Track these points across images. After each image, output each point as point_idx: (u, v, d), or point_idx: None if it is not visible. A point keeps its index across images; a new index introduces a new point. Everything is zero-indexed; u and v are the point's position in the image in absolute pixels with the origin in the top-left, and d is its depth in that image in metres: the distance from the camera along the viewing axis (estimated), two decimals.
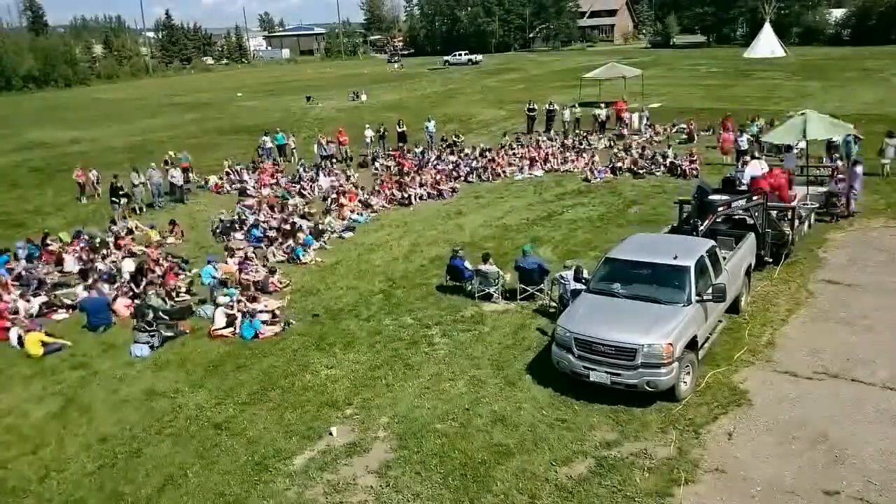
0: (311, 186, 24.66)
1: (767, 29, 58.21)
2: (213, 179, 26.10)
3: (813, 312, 12.47)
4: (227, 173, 26.52)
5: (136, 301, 14.54)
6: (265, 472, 8.98)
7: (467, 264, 14.36)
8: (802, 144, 22.31)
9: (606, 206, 20.32)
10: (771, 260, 14.38)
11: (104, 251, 18.04)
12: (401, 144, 30.44)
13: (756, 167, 18.34)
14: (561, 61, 73.44)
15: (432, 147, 30.25)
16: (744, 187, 16.05)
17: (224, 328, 13.24)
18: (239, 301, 13.77)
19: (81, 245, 18.60)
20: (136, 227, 20.41)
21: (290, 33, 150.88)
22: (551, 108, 34.15)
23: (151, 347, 12.71)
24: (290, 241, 17.83)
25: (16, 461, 9.65)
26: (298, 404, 10.55)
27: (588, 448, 8.98)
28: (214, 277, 15.72)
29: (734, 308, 12.28)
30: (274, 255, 17.35)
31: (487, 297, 13.82)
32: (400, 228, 19.69)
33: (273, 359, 12.08)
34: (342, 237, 19.19)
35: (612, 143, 28.49)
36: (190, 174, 25.87)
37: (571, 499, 8.12)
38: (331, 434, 9.67)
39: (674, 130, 30.57)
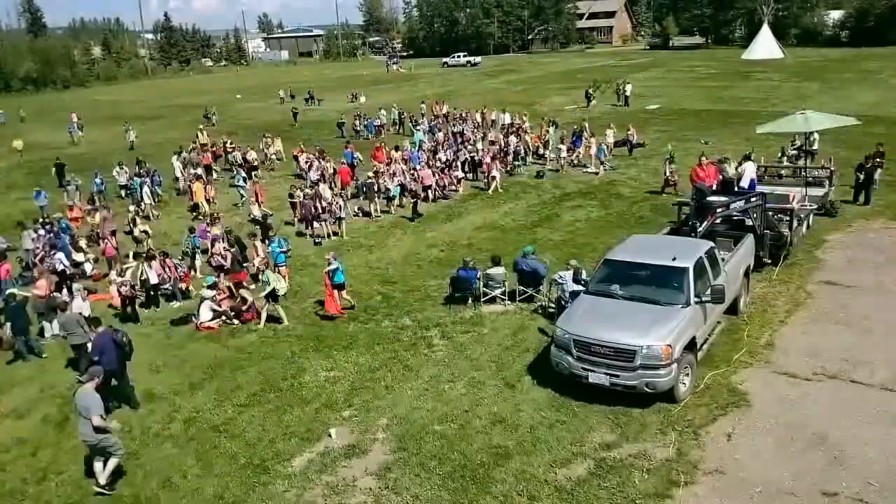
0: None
1: (766, 30, 58.12)
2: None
3: (812, 313, 12.48)
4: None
5: None
6: (264, 474, 8.96)
7: (479, 275, 13.82)
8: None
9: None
10: (770, 261, 14.39)
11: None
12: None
13: (752, 168, 18.31)
14: (560, 63, 73.45)
15: None
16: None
17: (211, 320, 13.47)
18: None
19: None
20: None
21: (288, 35, 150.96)
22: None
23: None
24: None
25: (14, 463, 9.64)
26: (297, 406, 10.54)
27: (587, 449, 8.97)
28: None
29: (733, 309, 12.27)
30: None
31: (491, 301, 13.75)
32: (398, 229, 19.69)
33: (272, 361, 12.06)
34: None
35: None
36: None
37: (571, 500, 8.11)
38: (330, 436, 9.66)
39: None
